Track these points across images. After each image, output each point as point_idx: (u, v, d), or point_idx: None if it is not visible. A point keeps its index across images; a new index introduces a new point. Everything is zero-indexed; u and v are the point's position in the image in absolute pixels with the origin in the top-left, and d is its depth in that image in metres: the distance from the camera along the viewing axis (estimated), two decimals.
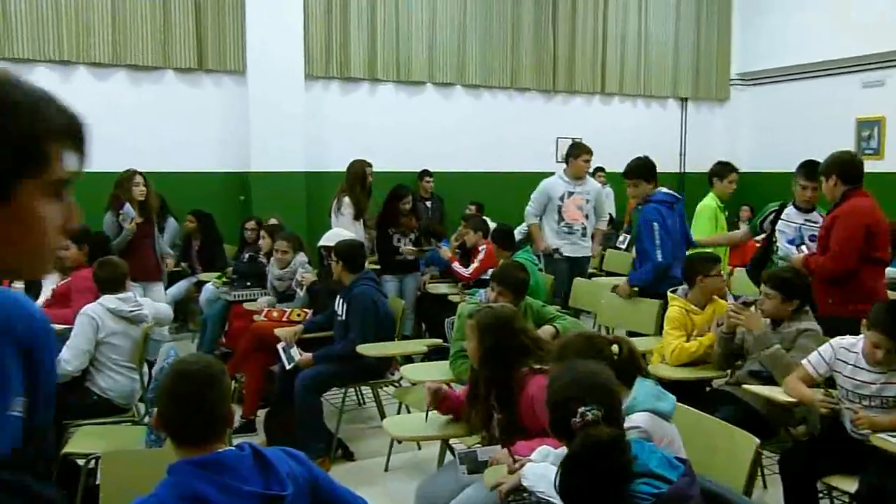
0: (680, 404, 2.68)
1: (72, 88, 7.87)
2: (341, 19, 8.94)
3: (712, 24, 11.31)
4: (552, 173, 6.98)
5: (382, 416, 5.20)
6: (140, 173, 6.04)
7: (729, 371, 4.00)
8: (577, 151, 6.50)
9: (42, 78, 7.70)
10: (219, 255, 7.56)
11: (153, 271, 6.05)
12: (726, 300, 4.41)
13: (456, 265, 6.55)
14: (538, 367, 3.02)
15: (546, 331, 3.88)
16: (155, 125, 8.18)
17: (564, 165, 6.65)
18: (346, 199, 6.28)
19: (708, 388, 4.26)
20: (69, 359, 4.04)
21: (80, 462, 3.75)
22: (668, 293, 4.38)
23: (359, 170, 6.52)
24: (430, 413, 3.28)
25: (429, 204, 9.05)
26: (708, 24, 11.28)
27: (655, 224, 4.98)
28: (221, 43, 8.37)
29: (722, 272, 4.45)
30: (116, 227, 5.89)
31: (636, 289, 5.10)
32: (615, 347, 2.62)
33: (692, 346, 4.06)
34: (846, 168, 4.40)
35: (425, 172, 9.17)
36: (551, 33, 10.20)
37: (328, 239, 5.39)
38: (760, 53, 11.16)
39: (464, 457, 2.94)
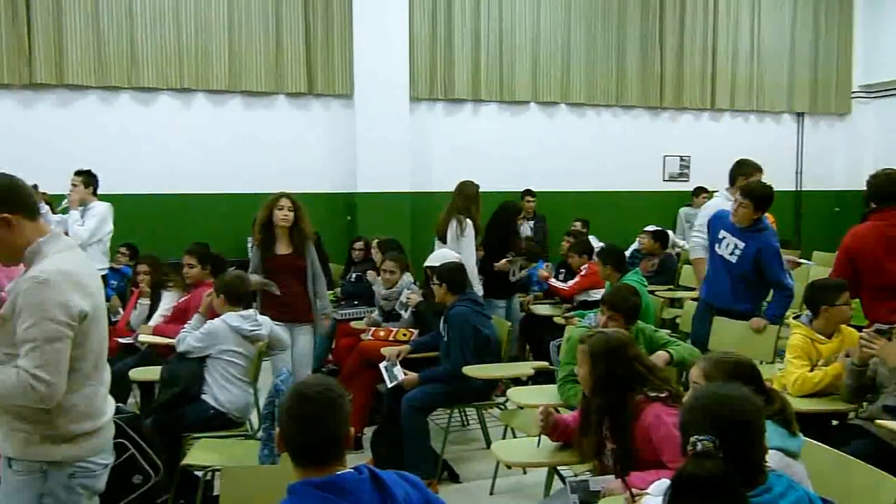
0: (808, 439, 2.51)
1: (191, 115, 8.33)
2: (445, 41, 9.06)
3: (832, 33, 10.78)
4: (661, 192, 6.76)
5: (487, 438, 5.17)
6: (288, 196, 5.02)
7: (859, 404, 3.74)
8: (749, 170, 5.40)
9: (165, 106, 8.22)
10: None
11: (301, 311, 5.03)
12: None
13: (553, 280, 6.44)
14: (654, 394, 2.92)
15: (659, 357, 3.75)
16: (266, 148, 8.49)
17: (728, 185, 5.55)
18: (469, 221, 6.20)
19: (834, 422, 4.00)
20: (190, 341, 4.34)
21: (198, 473, 3.89)
22: (791, 320, 4.15)
23: (473, 191, 6.44)
24: (541, 438, 3.23)
25: (532, 223, 8.98)
26: (827, 33, 10.76)
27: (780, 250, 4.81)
28: (330, 67, 8.63)
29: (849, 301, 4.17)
30: (255, 257, 5.11)
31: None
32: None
33: (816, 377, 3.81)
34: None
35: (527, 192, 9.12)
36: (658, 48, 9.99)
37: (435, 260, 5.41)
38: (885, 63, 10.53)
39: (575, 486, 2.86)
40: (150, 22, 7.96)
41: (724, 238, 4.86)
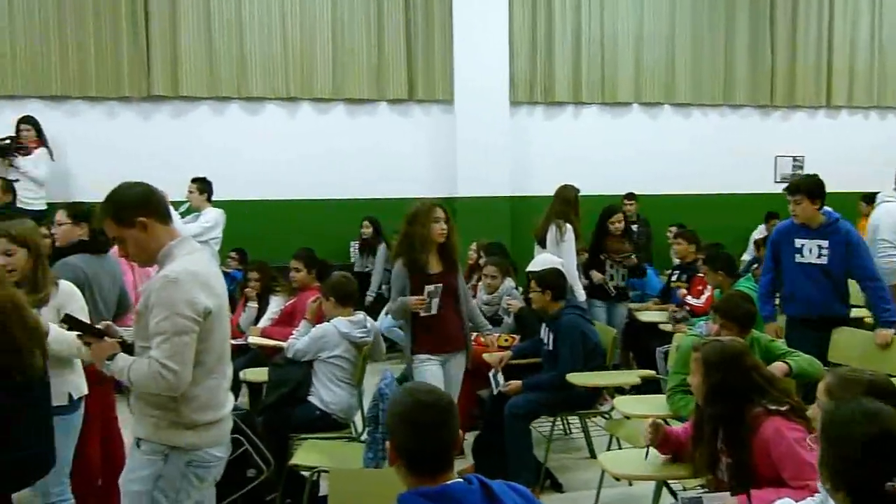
0: None
1: (296, 123, 8.57)
2: (546, 44, 8.98)
3: None
4: (770, 195, 6.44)
5: (591, 447, 5.07)
6: (441, 205, 4.36)
7: None
8: None
9: (271, 115, 8.49)
10: None
11: (458, 338, 4.41)
12: None
13: (690, 298, 6.11)
14: (773, 407, 2.77)
15: (777, 368, 3.56)
16: (369, 154, 8.64)
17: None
18: (569, 226, 6.14)
19: None
20: (299, 346, 4.42)
21: (305, 474, 3.98)
22: None
23: (572, 195, 6.37)
24: (648, 450, 3.12)
25: (634, 228, 8.76)
26: None
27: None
28: (430, 74, 8.70)
29: None
30: (402, 278, 4.33)
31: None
32: None
33: None
34: None
35: (629, 195, 8.91)
36: (769, 43, 9.56)
37: (537, 265, 5.34)
38: None
39: (687, 501, 2.76)
40: (258, 33, 8.24)
41: (802, 245, 4.64)
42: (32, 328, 2.88)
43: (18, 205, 6.40)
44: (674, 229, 8.42)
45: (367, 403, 4.10)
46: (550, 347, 4.68)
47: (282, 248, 6.78)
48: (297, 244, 6.08)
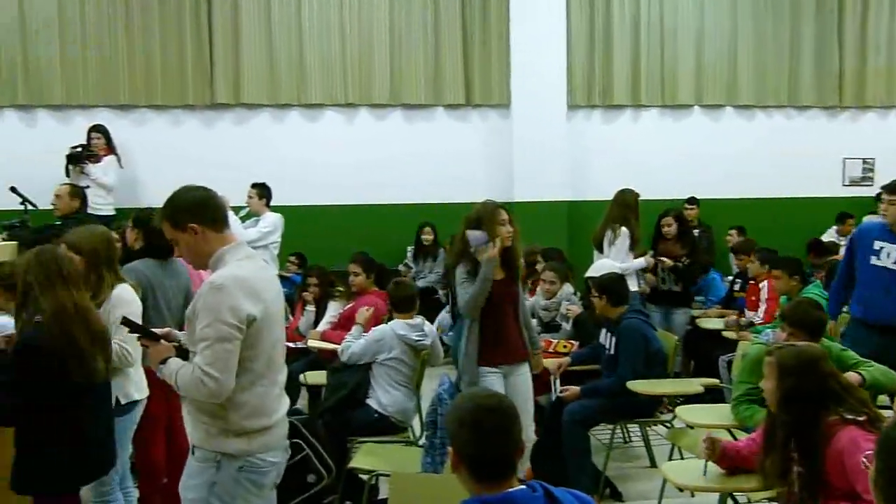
0: None
1: (354, 129, 8.67)
2: (603, 47, 8.88)
3: None
4: (839, 198, 6.23)
5: (651, 456, 4.97)
6: (505, 207, 4.15)
7: None
8: None
9: (330, 121, 8.61)
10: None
11: (518, 348, 4.14)
12: None
13: (749, 313, 5.95)
14: (850, 416, 2.67)
15: (850, 378, 3.43)
16: (426, 160, 8.67)
17: None
18: (624, 230, 6.09)
19: None
20: (354, 349, 4.47)
21: (364, 477, 4.00)
22: None
23: (631, 199, 6.31)
24: (707, 466, 3.06)
25: (696, 233, 8.58)
26: None
27: None
28: (487, 78, 8.69)
29: None
30: (467, 283, 4.02)
31: None
32: None
33: None
34: None
35: (690, 200, 8.73)
36: (836, 41, 9.25)
37: (596, 270, 5.28)
38: None
39: None
40: (317, 41, 8.35)
41: (881, 248, 4.45)
42: (96, 332, 2.96)
43: (88, 210, 6.60)
44: (733, 233, 8.23)
45: (425, 408, 4.11)
46: (612, 352, 4.62)
47: (340, 252, 6.84)
48: (355, 248, 6.14)
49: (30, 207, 6.35)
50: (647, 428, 4.95)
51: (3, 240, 5.84)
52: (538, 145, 8.43)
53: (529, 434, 3.87)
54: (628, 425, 5.21)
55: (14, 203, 6.50)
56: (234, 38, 8.21)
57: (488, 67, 8.67)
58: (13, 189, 6.46)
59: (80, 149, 7.48)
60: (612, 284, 4.79)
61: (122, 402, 3.35)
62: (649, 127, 9.18)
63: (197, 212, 2.55)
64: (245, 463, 2.51)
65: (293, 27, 8.31)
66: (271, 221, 6.99)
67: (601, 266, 5.41)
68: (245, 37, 8.22)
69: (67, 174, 7.34)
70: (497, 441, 1.83)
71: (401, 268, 8.12)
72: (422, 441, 4.15)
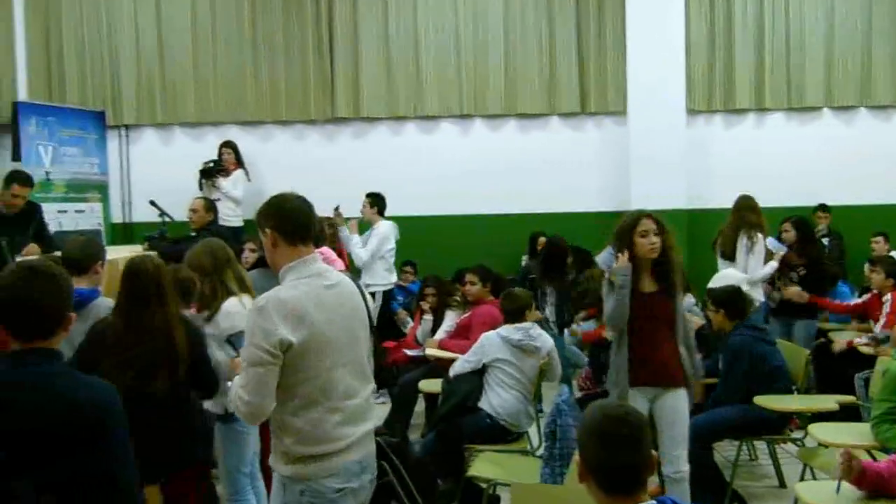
0: None
1: (469, 140, 8.76)
2: (725, 48, 8.59)
3: None
4: None
5: (780, 475, 4.75)
6: (651, 216, 3.78)
7: None
8: None
9: (446, 132, 8.74)
10: (590, 293, 7.61)
11: (671, 370, 3.71)
12: None
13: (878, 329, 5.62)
14: None
15: None
16: (540, 169, 8.64)
17: None
18: (760, 235, 5.88)
19: None
20: (461, 364, 4.57)
21: (483, 485, 4.02)
22: None
23: (756, 203, 6.12)
24: (842, 486, 2.89)
25: (825, 241, 8.14)
26: None
27: None
28: (603, 86, 8.59)
29: None
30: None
31: None
32: None
33: None
34: None
35: (821, 207, 8.29)
36: None
37: (718, 281, 5.11)
38: None
39: None
40: (433, 55, 8.52)
41: None
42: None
43: (220, 222, 6.96)
44: (879, 240, 7.73)
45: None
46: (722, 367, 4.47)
47: (455, 261, 6.94)
48: (470, 258, 6.21)
49: (167, 219, 6.76)
50: (776, 445, 4.73)
51: (144, 250, 6.26)
52: (656, 153, 8.24)
53: (679, 465, 3.62)
54: (754, 442, 5.00)
55: (153, 215, 6.95)
56: (353, 55, 8.50)
57: (604, 74, 8.57)
58: (152, 202, 6.89)
59: (211, 164, 7.93)
60: (730, 297, 4.63)
61: (230, 409, 3.36)
62: (774, 131, 8.78)
63: (276, 218, 2.53)
64: (305, 487, 2.44)
65: (410, 42, 8.51)
66: (383, 230, 7.16)
67: (724, 277, 5.22)
68: (364, 53, 8.50)
69: (201, 188, 7.80)
70: (624, 453, 1.81)
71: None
72: (540, 451, 4.14)
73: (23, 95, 8.44)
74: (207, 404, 3.48)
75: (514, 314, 4.56)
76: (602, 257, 3.79)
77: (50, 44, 8.54)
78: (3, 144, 8.27)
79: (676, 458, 3.60)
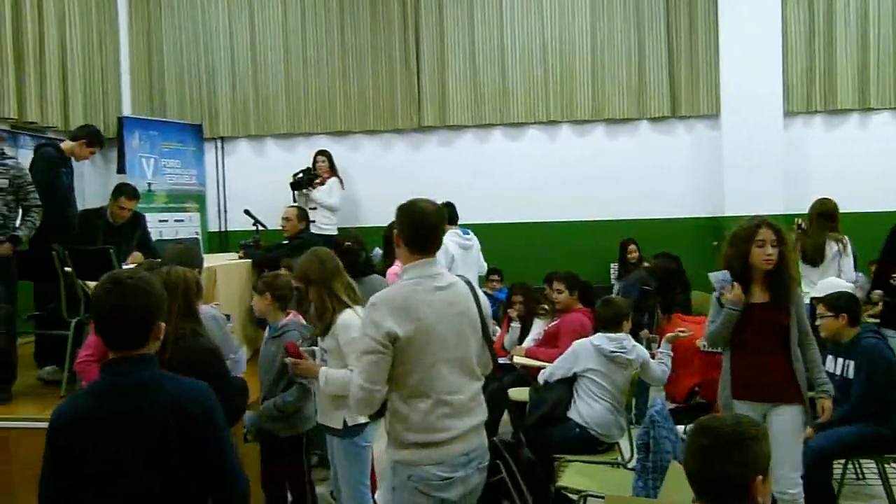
0: None
1: (556, 146, 8.68)
2: (825, 46, 8.21)
3: None
4: None
5: (891, 497, 4.47)
6: (770, 224, 3.52)
7: None
8: None
9: (532, 139, 8.70)
10: (679, 300, 7.38)
11: (782, 386, 3.50)
12: None
13: None
14: None
15: None
16: (629, 174, 8.48)
17: None
18: (848, 239, 5.63)
19: None
20: (551, 370, 4.53)
21: (573, 496, 3.95)
22: None
23: (835, 207, 5.89)
24: None
25: None
26: None
27: None
28: (695, 88, 8.36)
29: None
30: (716, 306, 3.65)
31: None
32: None
33: None
34: None
35: None
36: None
37: (826, 289, 4.86)
38: None
39: None
40: (519, 62, 8.50)
41: None
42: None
43: (313, 230, 7.10)
44: None
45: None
46: (849, 376, 4.22)
47: (542, 269, 6.85)
48: (557, 266, 6.12)
49: (260, 228, 6.95)
50: (886, 465, 4.46)
51: (239, 257, 6.47)
52: (751, 156, 7.95)
53: (783, 485, 3.42)
54: (861, 460, 4.73)
55: (247, 224, 7.16)
56: (440, 64, 8.58)
57: (696, 76, 8.35)
58: (247, 211, 7.10)
59: (300, 175, 8.10)
60: (850, 302, 4.40)
61: (349, 423, 3.44)
62: (880, 132, 8.34)
63: (401, 223, 2.77)
64: (412, 472, 2.63)
65: (496, 50, 8.52)
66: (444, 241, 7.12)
67: (830, 284, 4.97)
68: (450, 64, 8.57)
69: (294, 199, 7.97)
70: (710, 461, 1.79)
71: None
72: (632, 464, 4.04)
73: (127, 111, 8.89)
74: (325, 419, 3.49)
75: (610, 322, 4.44)
76: (716, 277, 3.59)
77: (152, 62, 8.98)
78: (110, 157, 8.73)
79: (781, 479, 3.40)
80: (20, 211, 4.35)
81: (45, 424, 2.01)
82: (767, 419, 3.47)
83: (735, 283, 3.49)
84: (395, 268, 3.72)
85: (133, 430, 1.92)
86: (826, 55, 8.22)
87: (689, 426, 5.09)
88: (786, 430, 3.46)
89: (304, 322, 3.98)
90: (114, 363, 2.00)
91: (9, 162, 4.21)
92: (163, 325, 2.05)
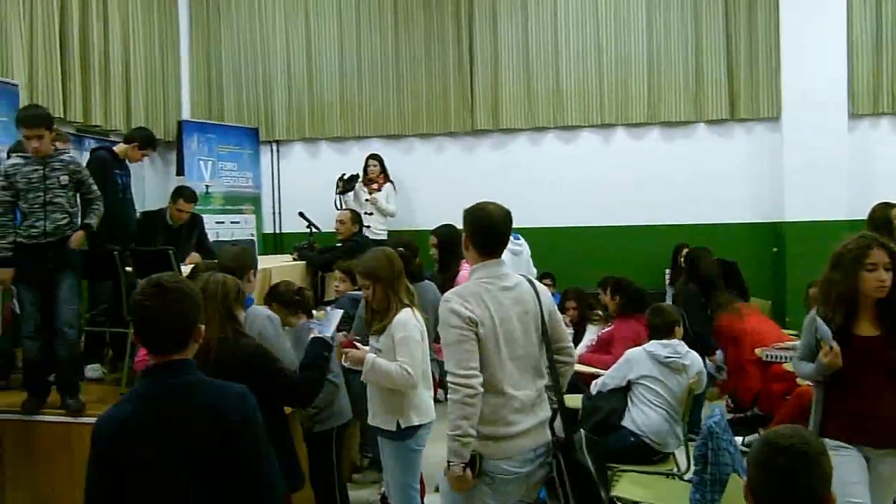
0: None
1: (610, 149, 8.56)
2: (893, 46, 7.94)
3: None
4: None
5: None
6: (885, 246, 3.02)
7: None
8: None
9: (586, 142, 8.60)
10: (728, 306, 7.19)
11: (887, 430, 3.01)
12: None
13: None
14: None
15: None
16: (685, 178, 8.32)
17: None
18: None
19: None
20: (603, 380, 4.47)
21: None
22: None
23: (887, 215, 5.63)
24: None
25: None
26: None
27: None
28: (754, 90, 8.17)
29: None
30: (809, 333, 3.23)
31: None
32: None
33: None
34: None
35: None
36: None
37: None
38: None
39: None
40: (573, 65, 8.42)
41: None
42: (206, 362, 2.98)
43: (366, 234, 7.12)
44: None
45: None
46: None
47: (594, 274, 6.77)
48: (610, 270, 6.04)
49: (314, 230, 7.02)
50: None
51: (293, 259, 6.55)
52: (814, 159, 7.73)
53: None
54: None
55: (301, 226, 7.25)
56: (493, 68, 8.56)
57: (755, 78, 8.15)
58: (301, 214, 7.19)
59: (347, 176, 8.03)
60: None
61: (403, 425, 3.44)
62: None
63: (470, 226, 2.88)
64: (486, 464, 2.70)
65: (550, 53, 8.46)
66: None
67: None
68: (503, 69, 8.54)
69: (340, 205, 7.86)
70: (785, 484, 1.71)
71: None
72: (688, 475, 3.94)
73: (186, 115, 9.09)
74: (377, 421, 3.48)
75: (662, 330, 4.36)
76: (823, 329, 3.04)
77: (211, 69, 9.17)
78: (169, 160, 8.94)
79: None
80: (80, 205, 4.46)
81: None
82: (875, 466, 3.02)
83: (834, 345, 2.97)
84: (465, 271, 3.74)
85: (175, 434, 1.93)
86: (894, 56, 7.95)
87: (748, 438, 4.96)
88: (892, 485, 3.08)
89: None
90: (156, 368, 2.01)
91: (65, 157, 4.31)
92: (202, 327, 2.06)
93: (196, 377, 2.03)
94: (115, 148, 5.58)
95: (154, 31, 8.57)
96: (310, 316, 4.22)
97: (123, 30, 7.99)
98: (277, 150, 9.24)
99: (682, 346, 4.36)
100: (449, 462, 2.69)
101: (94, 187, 4.42)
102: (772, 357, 5.63)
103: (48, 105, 6.89)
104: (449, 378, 2.68)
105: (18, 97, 6.34)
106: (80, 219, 4.35)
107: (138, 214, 5.89)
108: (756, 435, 5.03)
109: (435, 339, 3.44)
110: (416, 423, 3.46)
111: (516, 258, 6.35)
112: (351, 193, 8.01)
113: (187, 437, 1.93)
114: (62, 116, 7.09)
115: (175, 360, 2.00)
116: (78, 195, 4.36)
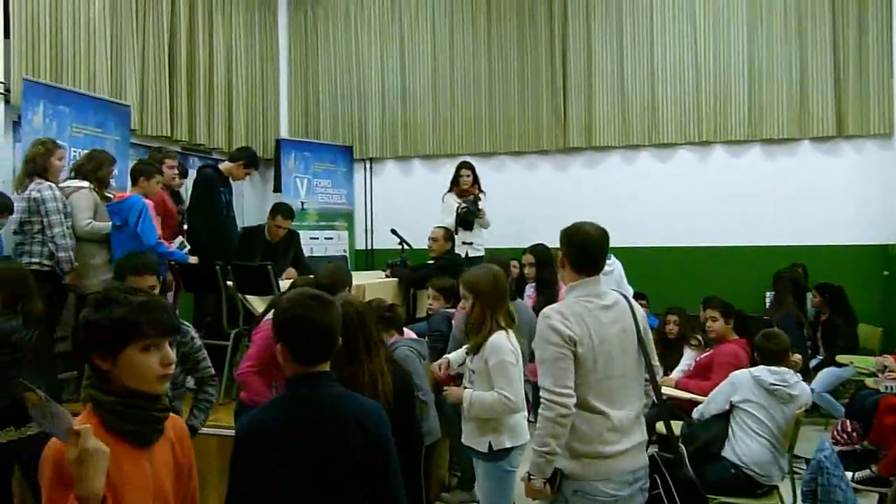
0: None
1: (708, 167, 8.30)
2: None
3: None
4: None
5: None
6: None
7: None
8: None
9: (682, 160, 8.38)
10: (843, 334, 6.81)
11: None
12: None
13: None
14: None
15: None
16: (788, 198, 7.99)
17: None
18: None
19: None
20: (703, 407, 4.30)
21: None
22: None
23: None
24: None
25: None
26: None
27: None
28: (864, 106, 7.77)
29: None
30: None
31: None
32: None
33: None
34: None
35: None
36: None
37: None
38: None
39: None
40: (670, 83, 8.23)
41: None
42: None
43: (471, 252, 6.98)
44: None
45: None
46: None
47: (691, 296, 6.54)
48: (708, 292, 5.81)
49: (406, 247, 7.05)
50: None
51: (386, 276, 6.60)
52: None
53: None
54: None
55: (392, 243, 7.29)
56: (586, 86, 8.48)
57: (865, 93, 7.75)
58: (393, 231, 7.23)
59: (465, 206, 7.36)
60: None
61: (494, 447, 3.39)
62: None
63: (566, 246, 2.85)
64: (579, 487, 2.66)
65: (645, 70, 8.31)
66: None
67: None
68: (598, 85, 8.44)
69: (456, 231, 7.25)
70: None
71: None
72: None
73: (284, 133, 9.38)
74: (470, 441, 3.48)
75: (773, 356, 4.15)
76: None
77: (308, 89, 9.45)
78: (267, 177, 9.23)
79: None
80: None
81: (212, 431, 2.09)
82: None
83: None
84: (563, 291, 3.71)
85: (320, 442, 1.98)
86: None
87: (858, 474, 4.67)
88: None
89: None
90: (301, 377, 2.06)
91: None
92: (340, 342, 2.12)
93: (339, 388, 2.09)
94: (220, 166, 5.78)
95: (255, 53, 8.90)
96: (401, 333, 4.24)
97: (227, 51, 8.34)
98: (370, 168, 9.39)
99: (792, 376, 4.14)
100: (530, 475, 2.69)
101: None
102: (888, 388, 5.31)
103: (156, 125, 7.25)
104: (543, 394, 2.64)
105: (130, 118, 6.67)
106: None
107: (239, 230, 6.09)
108: (868, 472, 4.73)
109: (529, 359, 3.39)
110: (509, 446, 3.41)
111: (606, 277, 6.17)
112: (444, 205, 7.66)
113: (336, 445, 1.98)
114: (169, 135, 7.43)
115: (319, 371, 2.06)
116: None
